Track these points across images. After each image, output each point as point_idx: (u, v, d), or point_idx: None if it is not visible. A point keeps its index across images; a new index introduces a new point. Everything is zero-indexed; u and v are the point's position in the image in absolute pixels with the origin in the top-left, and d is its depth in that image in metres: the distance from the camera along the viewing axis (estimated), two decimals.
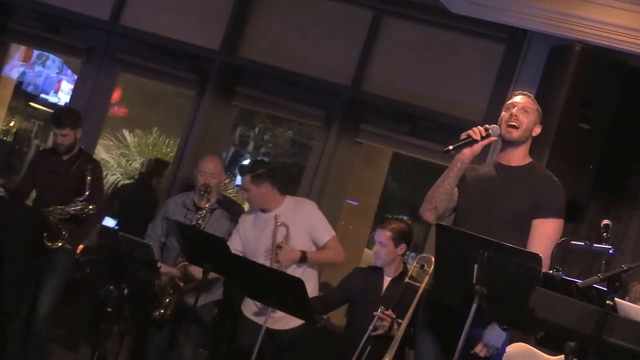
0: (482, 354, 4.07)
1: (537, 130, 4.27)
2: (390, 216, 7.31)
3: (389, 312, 5.21)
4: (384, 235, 5.38)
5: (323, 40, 7.12)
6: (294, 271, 5.31)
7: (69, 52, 8.33)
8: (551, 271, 3.53)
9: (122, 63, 7.64)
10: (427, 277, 5.20)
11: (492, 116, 6.13)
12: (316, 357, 6.00)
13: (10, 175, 11.32)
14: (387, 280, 5.43)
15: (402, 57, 6.92)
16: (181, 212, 6.04)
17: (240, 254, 5.47)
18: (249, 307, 5.62)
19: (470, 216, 4.22)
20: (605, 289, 3.29)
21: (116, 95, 10.65)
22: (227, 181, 11.38)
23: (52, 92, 13.04)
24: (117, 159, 13.35)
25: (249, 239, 5.64)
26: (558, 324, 3.28)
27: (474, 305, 3.70)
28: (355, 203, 8.45)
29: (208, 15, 7.50)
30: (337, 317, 6.98)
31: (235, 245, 5.56)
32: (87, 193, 6.00)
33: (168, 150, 13.12)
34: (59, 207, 5.99)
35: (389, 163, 8.75)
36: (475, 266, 3.70)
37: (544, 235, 4.06)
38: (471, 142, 4.21)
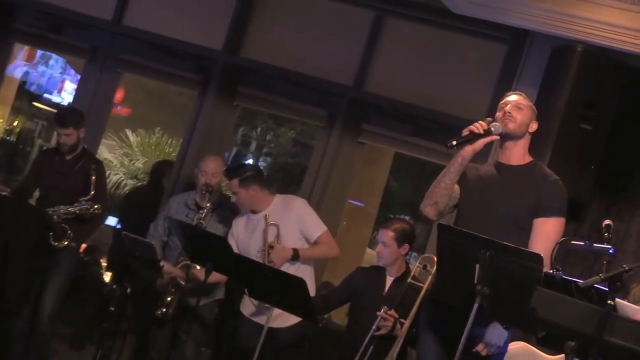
0: (483, 353, 4.08)
1: (534, 126, 4.30)
2: (392, 216, 7.32)
3: (392, 312, 5.22)
4: (386, 236, 5.39)
5: (325, 40, 7.13)
6: (287, 269, 5.30)
7: (72, 52, 8.34)
8: (552, 271, 3.55)
9: (125, 63, 7.65)
10: (429, 277, 5.21)
11: (494, 116, 6.15)
12: (318, 356, 6.01)
13: (13, 174, 11.36)
14: (389, 280, 5.44)
15: (404, 58, 6.92)
16: (183, 211, 6.06)
17: None
18: (247, 306, 5.63)
19: (472, 215, 4.23)
20: (607, 289, 3.30)
21: (119, 95, 10.67)
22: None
23: (55, 92, 13.05)
24: (120, 158, 13.37)
25: (242, 241, 5.66)
26: (559, 324, 3.28)
27: (476, 305, 3.71)
28: (361, 204, 8.45)
29: (211, 15, 7.51)
30: (339, 317, 6.99)
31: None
32: (92, 193, 6.02)
33: (171, 150, 13.13)
34: (63, 206, 6.01)
35: (391, 163, 8.75)
36: (477, 266, 3.71)
37: (546, 234, 4.07)
38: (473, 138, 4.23)
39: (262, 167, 15.38)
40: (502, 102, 4.34)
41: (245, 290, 5.57)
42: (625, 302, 3.35)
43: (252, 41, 7.35)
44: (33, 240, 5.87)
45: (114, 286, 6.56)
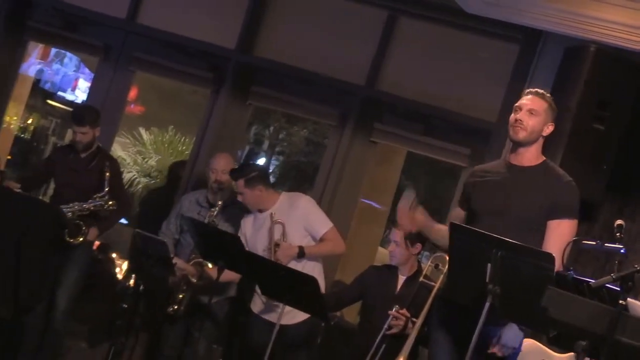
0: (499, 354, 4.07)
1: (548, 129, 4.24)
2: None
3: (404, 311, 5.23)
4: (399, 235, 5.39)
5: (338, 39, 7.14)
6: (294, 267, 5.31)
7: (86, 50, 8.37)
8: (564, 271, 3.55)
9: (139, 61, 7.68)
10: (441, 277, 5.21)
11: (506, 116, 6.15)
12: (329, 354, 6.02)
13: (27, 172, 11.38)
14: (401, 279, 5.45)
15: (417, 57, 6.94)
16: (195, 209, 6.09)
17: None
18: (256, 304, 5.66)
19: (485, 217, 4.23)
20: (618, 288, 3.30)
21: (132, 93, 10.70)
22: None
23: (69, 90, 13.08)
24: (134, 156, 13.40)
25: (249, 239, 5.69)
26: (570, 323, 3.29)
27: (487, 304, 3.72)
28: (375, 205, 8.45)
29: (224, 14, 7.54)
30: (351, 315, 7.01)
31: None
32: (106, 189, 6.05)
33: (184, 148, 13.16)
34: (77, 203, 6.04)
35: (403, 162, 8.75)
36: (489, 265, 3.72)
37: (560, 236, 4.05)
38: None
39: (274, 166, 15.49)
40: (517, 104, 4.28)
41: (257, 288, 5.60)
42: (636, 302, 3.35)
43: (265, 40, 7.37)
44: (46, 237, 5.90)
45: (127, 284, 6.60)
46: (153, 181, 13.10)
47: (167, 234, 6.12)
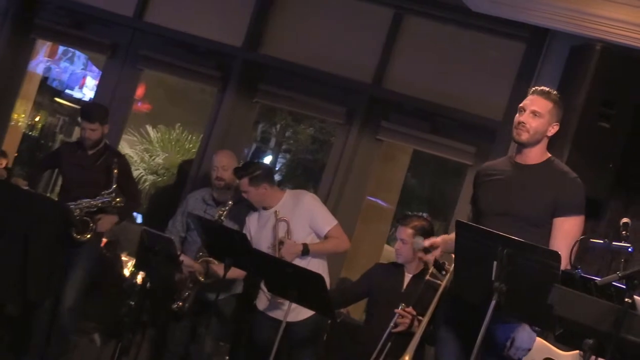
0: (515, 358, 4.07)
1: (553, 129, 4.22)
2: (410, 213, 7.32)
3: (410, 309, 5.23)
4: (405, 233, 5.39)
5: (344, 37, 7.15)
6: (298, 264, 5.31)
7: (94, 48, 8.40)
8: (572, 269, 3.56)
9: (146, 59, 7.70)
10: (447, 275, 5.22)
11: (512, 114, 6.16)
12: (336, 352, 6.04)
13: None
14: (407, 277, 5.45)
15: (423, 55, 6.94)
16: (201, 207, 6.11)
17: None
18: (261, 301, 5.68)
19: (491, 215, 4.23)
20: (624, 286, 3.31)
21: (140, 91, 10.71)
22: None
23: (76, 87, 13.10)
24: (141, 154, 13.43)
25: (254, 237, 5.70)
26: (576, 321, 3.30)
27: (493, 302, 3.72)
28: (382, 203, 8.46)
29: (231, 12, 7.55)
30: (357, 312, 7.02)
31: None
32: (114, 186, 6.08)
33: (190, 146, 13.18)
34: (85, 200, 6.07)
35: (409, 160, 8.77)
36: (495, 263, 3.73)
37: (566, 233, 4.05)
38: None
39: (281, 164, 15.49)
40: (521, 104, 4.26)
41: (262, 285, 5.62)
42: None
43: (271, 38, 7.39)
44: (54, 234, 5.92)
45: (134, 281, 6.63)
46: (160, 179, 13.13)
47: (173, 232, 6.14)
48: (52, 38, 8.74)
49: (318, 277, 4.86)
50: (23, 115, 10.43)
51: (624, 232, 3.62)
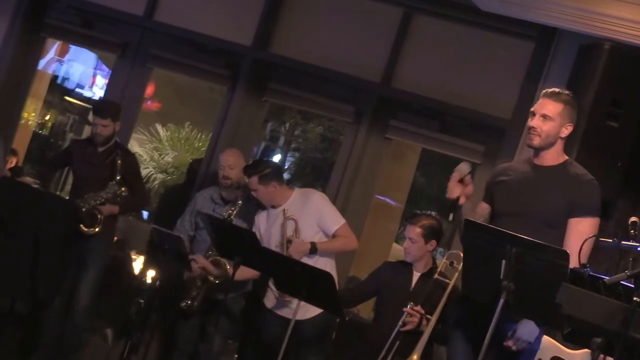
0: (513, 348, 4.06)
1: (566, 130, 4.21)
2: (418, 211, 7.33)
3: (418, 307, 5.23)
4: (414, 232, 5.39)
5: (354, 36, 7.16)
6: (306, 262, 5.29)
7: (104, 48, 8.41)
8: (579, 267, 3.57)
9: (156, 58, 7.71)
10: (456, 274, 5.23)
11: (520, 113, 6.17)
12: (344, 350, 6.05)
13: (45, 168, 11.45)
14: (416, 275, 5.45)
15: (432, 54, 6.95)
16: (209, 206, 6.12)
17: None
18: (269, 299, 5.69)
19: (507, 216, 4.22)
20: (632, 285, 3.32)
21: (149, 90, 10.73)
22: None
23: (86, 86, 13.14)
24: (150, 152, 13.45)
25: (263, 235, 5.71)
26: (584, 320, 3.31)
27: (501, 301, 3.73)
28: (391, 201, 8.48)
29: (240, 11, 7.56)
30: (366, 311, 7.04)
31: None
32: (117, 177, 6.08)
33: (200, 144, 13.20)
34: (92, 194, 6.08)
35: (418, 159, 8.78)
36: (503, 262, 3.74)
37: (580, 234, 4.03)
38: (457, 200, 4.17)
39: (290, 163, 15.51)
40: (532, 108, 4.26)
41: (270, 283, 5.63)
42: None
43: (281, 37, 7.40)
44: (63, 232, 5.94)
45: (143, 279, 6.65)
46: (169, 177, 13.15)
47: (182, 230, 6.14)
48: (62, 37, 8.77)
49: (327, 276, 4.88)
50: (33, 114, 10.49)
51: (632, 231, 3.62)
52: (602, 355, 3.50)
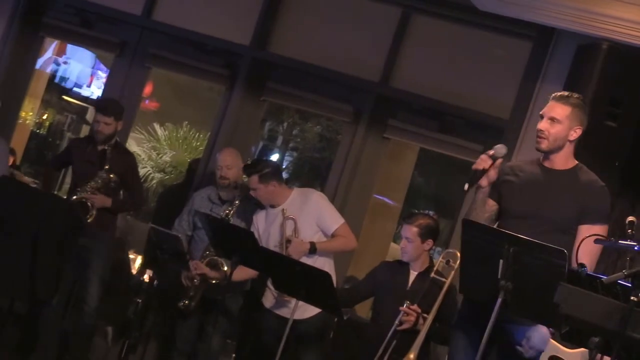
0: (526, 355, 4.07)
1: (575, 134, 4.20)
2: (416, 211, 7.34)
3: (415, 306, 5.24)
4: (410, 231, 5.40)
5: (352, 36, 7.16)
6: (305, 262, 5.30)
7: (102, 47, 8.42)
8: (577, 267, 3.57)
9: (154, 58, 7.71)
10: (452, 272, 5.24)
11: (518, 113, 6.18)
12: (342, 349, 6.05)
13: (43, 167, 11.46)
14: (413, 274, 5.46)
15: (431, 54, 6.96)
16: (207, 205, 6.12)
17: None
18: (268, 299, 5.69)
19: (516, 218, 4.20)
20: (630, 285, 3.32)
21: (148, 89, 10.72)
22: None
23: (84, 86, 13.14)
24: (148, 152, 13.45)
25: (262, 235, 5.72)
26: (582, 320, 3.31)
27: (499, 300, 3.73)
28: (391, 202, 8.47)
29: (239, 10, 7.57)
30: (363, 310, 7.04)
31: None
32: (106, 167, 6.07)
33: (198, 144, 13.20)
34: (82, 187, 6.08)
35: (416, 158, 8.78)
36: (501, 261, 3.74)
37: (591, 241, 3.98)
38: (483, 171, 4.13)
39: (288, 162, 15.50)
40: (541, 111, 4.24)
41: (268, 283, 5.63)
42: None
43: (279, 37, 7.40)
44: (62, 232, 5.94)
45: (141, 278, 6.65)
46: (167, 177, 13.15)
47: (180, 230, 6.14)
48: (60, 36, 8.77)
49: (325, 275, 4.88)
50: (31, 113, 10.49)
51: (629, 231, 3.63)
52: (599, 355, 3.51)
